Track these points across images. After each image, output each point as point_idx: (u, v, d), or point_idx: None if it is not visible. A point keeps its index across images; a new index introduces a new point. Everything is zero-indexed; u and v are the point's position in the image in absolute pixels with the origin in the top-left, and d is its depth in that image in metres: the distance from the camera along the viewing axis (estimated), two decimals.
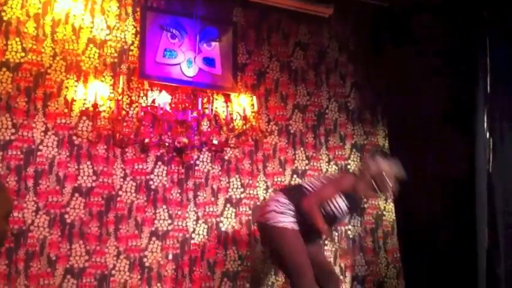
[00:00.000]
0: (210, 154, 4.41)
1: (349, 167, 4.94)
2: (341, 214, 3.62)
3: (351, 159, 4.98)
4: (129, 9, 4.39)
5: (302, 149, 4.79)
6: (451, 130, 4.23)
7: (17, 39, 3.99)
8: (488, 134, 4.18)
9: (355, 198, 3.69)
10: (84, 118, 4.05)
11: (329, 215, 3.54)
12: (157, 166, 4.20)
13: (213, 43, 4.59)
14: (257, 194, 4.50)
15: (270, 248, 3.74)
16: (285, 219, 3.47)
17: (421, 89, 4.50)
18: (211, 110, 4.38)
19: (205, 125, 4.41)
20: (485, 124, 4.17)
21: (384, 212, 4.99)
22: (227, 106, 4.40)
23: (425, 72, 4.46)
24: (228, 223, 4.36)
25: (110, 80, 4.19)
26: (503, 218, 4.11)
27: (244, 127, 4.43)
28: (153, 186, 4.16)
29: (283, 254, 3.49)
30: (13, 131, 3.83)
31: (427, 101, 4.46)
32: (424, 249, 4.32)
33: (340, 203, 3.56)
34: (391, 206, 4.96)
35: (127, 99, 4.21)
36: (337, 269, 4.60)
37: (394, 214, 4.89)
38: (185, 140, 4.23)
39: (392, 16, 4.84)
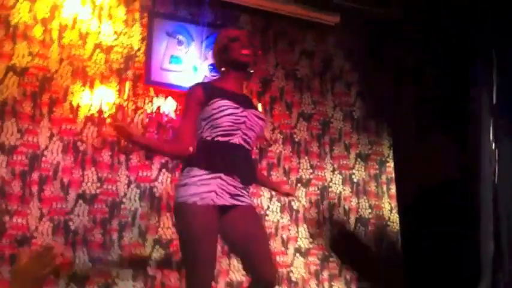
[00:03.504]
0: None
1: (353, 176, 4.92)
2: None
3: (356, 168, 4.96)
4: (137, 15, 4.38)
5: (306, 157, 4.77)
6: (455, 140, 4.21)
7: (24, 43, 3.97)
8: (493, 144, 4.16)
9: None
10: (89, 124, 4.03)
11: None
12: (162, 173, 4.18)
13: None
14: (261, 203, 4.47)
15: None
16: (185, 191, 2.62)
17: (425, 99, 4.50)
18: None
19: None
20: (491, 134, 4.15)
21: (389, 223, 4.96)
22: None
23: (429, 81, 4.46)
24: None
25: (116, 86, 4.17)
26: (508, 228, 4.09)
27: None
28: (157, 194, 4.13)
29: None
30: (18, 136, 3.80)
31: (431, 110, 4.45)
32: (427, 260, 4.30)
33: None
34: (396, 217, 4.94)
35: (132, 105, 4.19)
36: (341, 280, 4.57)
37: (398, 225, 4.87)
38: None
39: (397, 25, 4.84)
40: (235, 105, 2.71)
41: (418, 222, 4.45)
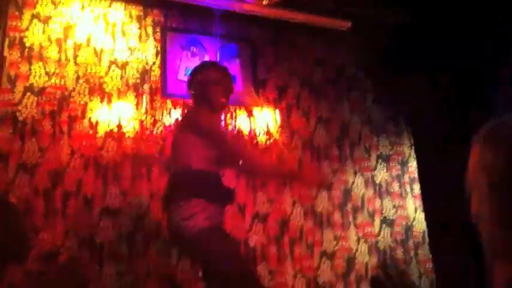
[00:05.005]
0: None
1: (375, 178, 4.89)
2: None
3: (377, 170, 4.93)
4: (149, 30, 4.43)
5: (327, 162, 4.75)
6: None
7: (40, 63, 4.02)
8: None
9: None
10: (109, 139, 4.05)
11: None
12: None
13: (233, 60, 4.61)
14: (285, 209, 4.44)
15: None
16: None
17: (443, 100, 4.47)
18: (235, 126, 4.38)
19: None
20: None
21: (414, 222, 4.91)
22: (250, 121, 4.39)
23: (446, 82, 4.44)
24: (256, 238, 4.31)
25: (133, 100, 4.20)
26: None
27: (268, 142, 4.41)
28: None
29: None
30: (39, 154, 3.84)
31: (450, 111, 4.42)
32: (457, 258, 4.23)
33: None
34: (421, 216, 4.88)
35: (151, 118, 4.21)
36: (368, 282, 4.51)
37: (424, 224, 4.81)
38: None
39: (409, 31, 4.83)
40: None
41: (445, 221, 4.40)
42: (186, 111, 3.82)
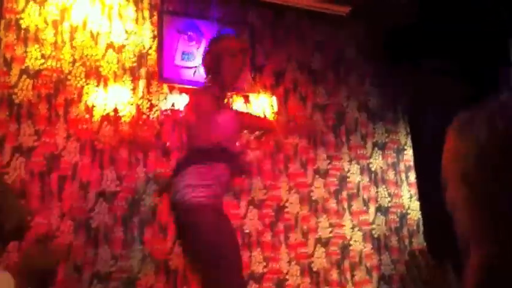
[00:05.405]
0: None
1: (371, 165, 4.90)
2: None
3: (373, 157, 4.93)
4: (146, 14, 4.39)
5: (323, 148, 4.75)
6: None
7: (36, 46, 3.99)
8: None
9: None
10: (105, 123, 4.03)
11: None
12: None
13: None
14: (280, 195, 4.45)
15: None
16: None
17: (440, 88, 4.46)
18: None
19: None
20: None
21: (409, 211, 4.92)
22: (247, 107, 4.38)
23: (444, 69, 4.43)
24: (252, 225, 4.32)
25: (130, 84, 4.18)
26: None
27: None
28: None
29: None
30: (35, 137, 3.82)
31: (446, 98, 4.42)
32: (451, 247, 4.25)
33: None
34: (416, 204, 4.90)
35: (147, 103, 4.19)
36: (363, 269, 4.54)
37: (419, 212, 4.83)
38: None
39: (409, 16, 4.81)
40: None
41: (439, 210, 4.41)
42: (192, 91, 3.74)
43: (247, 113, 3.62)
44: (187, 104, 3.22)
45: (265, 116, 3.88)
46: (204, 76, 3.12)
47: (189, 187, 2.71)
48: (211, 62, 2.99)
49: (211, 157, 2.79)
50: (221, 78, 2.96)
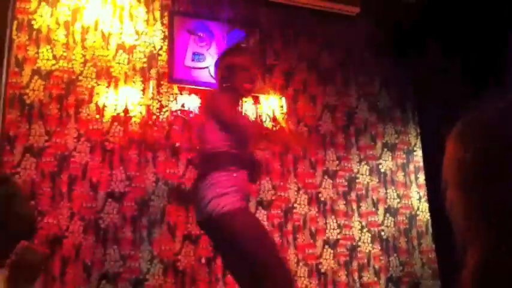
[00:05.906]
0: None
1: (380, 166, 4.89)
2: None
3: (382, 158, 4.93)
4: (157, 14, 4.41)
5: (332, 149, 4.75)
6: None
7: (48, 47, 4.02)
8: None
9: None
10: (115, 124, 4.06)
11: None
12: (189, 169, 4.19)
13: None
14: (289, 196, 4.47)
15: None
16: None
17: (451, 87, 4.44)
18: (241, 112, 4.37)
19: None
20: None
21: (418, 212, 4.92)
22: (256, 108, 4.39)
23: (455, 68, 4.41)
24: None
25: (140, 85, 4.21)
26: None
27: (273, 129, 4.41)
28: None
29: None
30: (46, 138, 3.86)
31: (457, 97, 4.40)
32: (460, 248, 4.25)
33: None
34: (425, 206, 4.89)
35: (157, 103, 4.22)
36: (371, 270, 4.55)
37: (428, 214, 4.83)
38: None
39: (419, 13, 4.79)
40: None
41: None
42: (207, 94, 3.79)
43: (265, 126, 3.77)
44: (203, 105, 3.30)
45: (281, 128, 3.92)
46: (217, 83, 3.21)
47: (219, 197, 2.79)
48: (225, 73, 3.10)
49: (231, 163, 2.89)
50: (235, 88, 3.07)
